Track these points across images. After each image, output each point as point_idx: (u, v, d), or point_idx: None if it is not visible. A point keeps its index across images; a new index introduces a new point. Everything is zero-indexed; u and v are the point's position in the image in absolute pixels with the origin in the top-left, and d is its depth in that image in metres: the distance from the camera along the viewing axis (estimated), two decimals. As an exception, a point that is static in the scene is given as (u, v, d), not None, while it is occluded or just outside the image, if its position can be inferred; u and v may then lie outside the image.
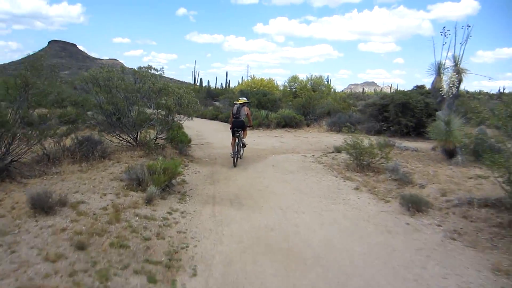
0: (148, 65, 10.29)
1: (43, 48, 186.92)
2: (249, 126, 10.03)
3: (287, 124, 16.97)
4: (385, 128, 15.70)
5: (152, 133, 9.85)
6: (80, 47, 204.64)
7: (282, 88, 40.45)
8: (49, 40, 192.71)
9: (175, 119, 10.45)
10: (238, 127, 9.38)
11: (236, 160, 9.28)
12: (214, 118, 22.34)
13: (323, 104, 20.31)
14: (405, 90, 17.30)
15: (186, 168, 8.55)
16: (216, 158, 10.20)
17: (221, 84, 48.71)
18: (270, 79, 43.28)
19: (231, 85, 46.70)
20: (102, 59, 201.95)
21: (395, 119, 15.23)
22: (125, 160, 8.10)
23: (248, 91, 25.15)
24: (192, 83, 45.94)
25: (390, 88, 62.07)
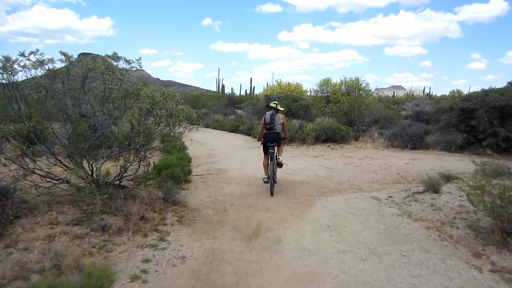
0: (114, 53, 6.20)
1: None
2: (283, 138, 7.18)
3: (328, 138, 12.50)
4: (472, 141, 10.95)
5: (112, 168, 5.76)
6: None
7: (310, 94, 35.99)
8: (79, 53, 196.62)
9: (172, 133, 6.13)
10: (273, 141, 6.74)
11: (273, 188, 6.58)
12: (235, 130, 18.18)
13: (372, 110, 15.63)
14: (498, 88, 12.37)
15: (156, 249, 4.16)
16: (227, 207, 5.95)
17: (245, 90, 44.78)
18: (297, 83, 39.02)
19: (256, 92, 42.69)
20: (130, 70, 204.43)
21: (489, 129, 10.47)
22: (33, 237, 3.95)
23: (275, 96, 20.89)
24: (216, 91, 42.43)
25: (424, 91, 55.91)
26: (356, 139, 12.97)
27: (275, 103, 7.01)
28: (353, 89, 33.03)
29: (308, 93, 36.47)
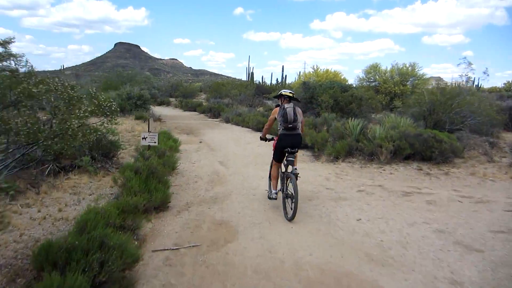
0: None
1: (110, 50, 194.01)
2: None
3: (416, 152, 7.33)
4: None
5: None
6: (144, 48, 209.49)
7: (354, 83, 30.04)
8: (115, 43, 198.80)
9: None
10: (295, 145, 4.72)
11: (293, 213, 4.38)
12: (262, 127, 13.34)
13: (471, 107, 10.05)
14: None
15: None
16: None
17: (277, 79, 39.61)
18: (336, 71, 33.42)
19: (288, 81, 37.44)
20: (163, 59, 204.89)
21: None
22: None
23: (314, 84, 15.77)
24: (247, 80, 37.68)
25: (474, 82, 48.06)
26: (457, 154, 7.68)
27: (290, 92, 4.95)
28: (408, 77, 27.11)
29: (350, 82, 30.90)
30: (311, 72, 33.34)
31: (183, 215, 4.60)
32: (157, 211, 4.53)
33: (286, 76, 43.30)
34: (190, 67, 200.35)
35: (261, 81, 33.00)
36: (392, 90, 25.73)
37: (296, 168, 4.74)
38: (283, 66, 42.86)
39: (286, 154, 4.78)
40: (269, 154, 8.63)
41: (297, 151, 4.78)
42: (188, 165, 7.70)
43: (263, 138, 5.29)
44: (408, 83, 26.96)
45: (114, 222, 3.29)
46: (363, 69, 28.49)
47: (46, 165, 5.13)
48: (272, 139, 5.15)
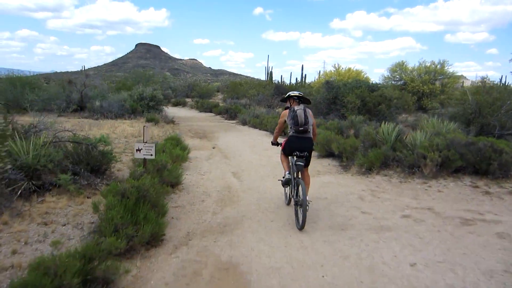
0: None
1: (131, 51, 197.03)
2: None
3: (468, 164, 6.03)
4: None
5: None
6: (164, 49, 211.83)
7: (379, 82, 28.49)
8: (136, 43, 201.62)
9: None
10: (304, 149, 4.43)
11: (302, 222, 4.07)
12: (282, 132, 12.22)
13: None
14: None
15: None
16: None
17: (296, 79, 38.24)
18: (358, 70, 31.88)
19: (308, 80, 36.07)
20: (183, 60, 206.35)
21: None
22: None
23: (338, 83, 14.48)
24: (266, 80, 36.48)
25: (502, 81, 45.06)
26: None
27: (299, 93, 4.71)
28: (437, 75, 25.36)
29: (373, 82, 29.32)
30: (333, 71, 31.93)
31: (180, 253, 3.55)
32: (147, 248, 3.50)
33: (305, 75, 41.90)
34: (210, 67, 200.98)
35: (280, 81, 31.81)
36: (420, 89, 24.05)
37: (308, 202, 4.11)
38: (302, 65, 41.51)
39: (295, 158, 4.45)
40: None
41: (308, 159, 4.47)
42: (197, 177, 6.67)
43: (275, 143, 5.06)
44: (436, 81, 25.21)
45: (71, 283, 2.26)
46: (388, 68, 26.90)
47: (20, 183, 4.19)
48: (283, 141, 4.79)
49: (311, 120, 4.48)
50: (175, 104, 25.26)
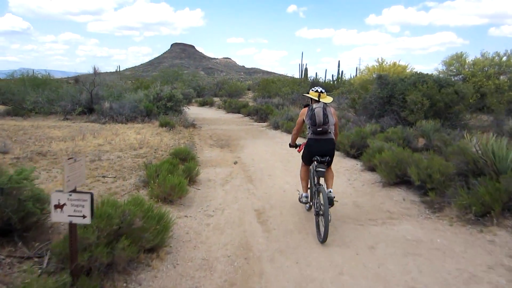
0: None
1: (166, 51, 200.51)
2: None
3: None
4: None
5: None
6: (198, 48, 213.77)
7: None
8: (172, 43, 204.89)
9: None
10: (326, 153, 3.98)
11: (325, 234, 3.58)
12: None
13: None
14: None
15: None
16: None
17: (332, 76, 35.02)
18: (405, 65, 28.29)
19: (344, 76, 32.78)
20: (217, 59, 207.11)
21: None
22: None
23: (394, 78, 11.51)
24: (300, 77, 33.61)
25: None
26: None
27: (317, 91, 4.12)
28: (506, 68, 21.39)
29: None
30: (375, 66, 28.58)
31: None
32: None
33: (342, 71, 38.33)
34: (243, 66, 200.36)
35: (314, 77, 28.93)
36: (483, 84, 20.29)
37: (331, 191, 3.93)
38: (339, 61, 38.39)
39: (315, 163, 3.93)
40: (354, 199, 5.00)
41: (330, 161, 3.98)
42: (200, 221, 4.28)
43: (293, 145, 4.56)
44: (502, 76, 21.29)
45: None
46: (443, 60, 23.19)
47: None
48: (302, 144, 4.27)
49: (332, 119, 4.05)
50: (202, 104, 23.22)
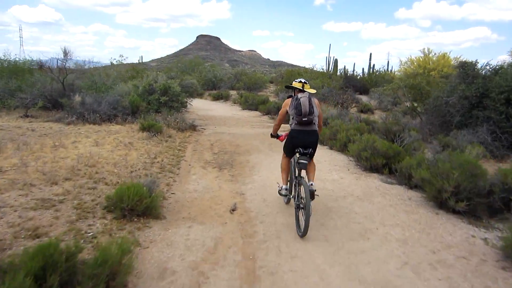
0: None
1: (192, 43, 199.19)
2: None
3: None
4: None
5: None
6: (224, 41, 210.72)
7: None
8: (197, 35, 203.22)
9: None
10: (309, 145, 3.78)
11: (305, 228, 3.44)
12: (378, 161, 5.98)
13: None
14: None
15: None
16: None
17: (362, 69, 30.64)
18: (457, 57, 23.88)
19: (384, 69, 28.50)
20: (242, 51, 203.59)
21: None
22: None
23: (487, 71, 7.68)
24: (326, 70, 29.49)
25: None
26: None
27: (301, 81, 3.97)
28: None
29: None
30: (420, 58, 24.24)
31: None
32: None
33: (373, 65, 33.43)
34: (268, 59, 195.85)
35: (343, 70, 24.93)
36: None
37: (312, 184, 3.71)
38: (370, 54, 33.77)
39: (298, 155, 3.81)
40: None
41: (313, 154, 3.79)
42: None
43: (274, 136, 4.38)
44: None
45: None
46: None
47: None
48: (285, 134, 4.11)
49: (317, 111, 3.82)
50: (216, 98, 19.92)
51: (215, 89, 22.79)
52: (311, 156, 3.79)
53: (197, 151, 7.30)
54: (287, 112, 3.91)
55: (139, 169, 5.30)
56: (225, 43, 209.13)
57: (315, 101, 3.84)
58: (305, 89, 3.85)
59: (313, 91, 3.95)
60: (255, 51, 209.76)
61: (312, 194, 3.51)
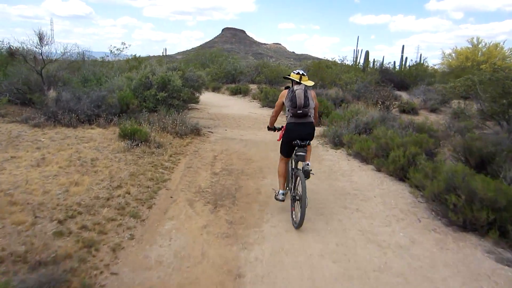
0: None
1: (217, 36, 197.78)
2: None
3: None
4: None
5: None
6: (249, 33, 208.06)
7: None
8: (223, 28, 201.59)
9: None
10: (306, 137, 3.72)
11: (301, 219, 3.38)
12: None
13: None
14: None
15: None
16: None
17: (394, 62, 27.27)
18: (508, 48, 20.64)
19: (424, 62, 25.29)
20: (267, 44, 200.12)
21: None
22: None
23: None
24: (354, 63, 26.25)
25: None
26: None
27: (299, 73, 3.84)
28: None
29: None
30: (467, 49, 21.05)
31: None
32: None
33: (406, 58, 29.62)
34: (293, 52, 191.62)
35: (380, 63, 22.09)
36: None
37: (308, 164, 3.57)
38: (403, 46, 29.89)
39: (296, 148, 3.71)
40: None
41: (308, 144, 3.72)
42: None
43: (271, 128, 4.22)
44: None
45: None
46: None
47: None
48: (282, 128, 4.01)
49: (313, 103, 3.77)
50: (235, 92, 17.77)
51: (235, 82, 20.66)
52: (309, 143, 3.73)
53: (191, 169, 5.24)
54: (283, 103, 3.85)
55: (78, 214, 3.26)
56: (250, 36, 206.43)
57: (311, 93, 3.79)
58: (302, 81, 3.75)
59: (311, 83, 3.84)
60: (280, 44, 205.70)
61: (307, 173, 3.48)
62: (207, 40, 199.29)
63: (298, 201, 3.46)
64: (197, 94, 9.96)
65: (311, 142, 3.77)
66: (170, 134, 6.94)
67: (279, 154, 3.93)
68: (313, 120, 3.76)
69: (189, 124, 7.46)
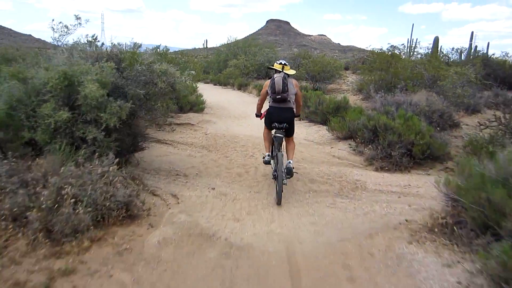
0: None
1: (261, 28, 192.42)
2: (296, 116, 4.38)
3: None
4: None
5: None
6: (294, 25, 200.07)
7: None
8: (267, 20, 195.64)
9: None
10: (283, 120, 4.00)
11: (278, 196, 3.69)
12: None
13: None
14: None
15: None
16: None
17: (460, 52, 20.13)
18: None
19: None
20: (312, 36, 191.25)
21: None
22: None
23: None
24: (405, 54, 19.60)
25: None
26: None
27: (281, 63, 4.16)
28: None
29: None
30: None
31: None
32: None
33: (476, 46, 21.97)
34: (338, 43, 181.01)
35: (472, 53, 15.94)
36: None
37: (290, 162, 3.92)
38: (472, 33, 22.53)
39: (274, 130, 4.04)
40: None
41: (290, 130, 4.01)
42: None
43: (258, 115, 4.52)
44: None
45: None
46: None
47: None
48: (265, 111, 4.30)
49: (293, 89, 4.07)
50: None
51: (268, 77, 15.85)
52: (287, 131, 3.99)
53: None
54: (267, 92, 4.07)
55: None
56: (295, 27, 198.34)
57: (292, 81, 4.06)
58: (284, 70, 3.99)
59: (292, 72, 4.11)
60: (325, 35, 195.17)
61: (290, 172, 3.76)
62: (252, 32, 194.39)
63: (276, 179, 3.71)
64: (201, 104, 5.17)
65: (294, 135, 4.14)
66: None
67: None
68: (293, 106, 4.03)
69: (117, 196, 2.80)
